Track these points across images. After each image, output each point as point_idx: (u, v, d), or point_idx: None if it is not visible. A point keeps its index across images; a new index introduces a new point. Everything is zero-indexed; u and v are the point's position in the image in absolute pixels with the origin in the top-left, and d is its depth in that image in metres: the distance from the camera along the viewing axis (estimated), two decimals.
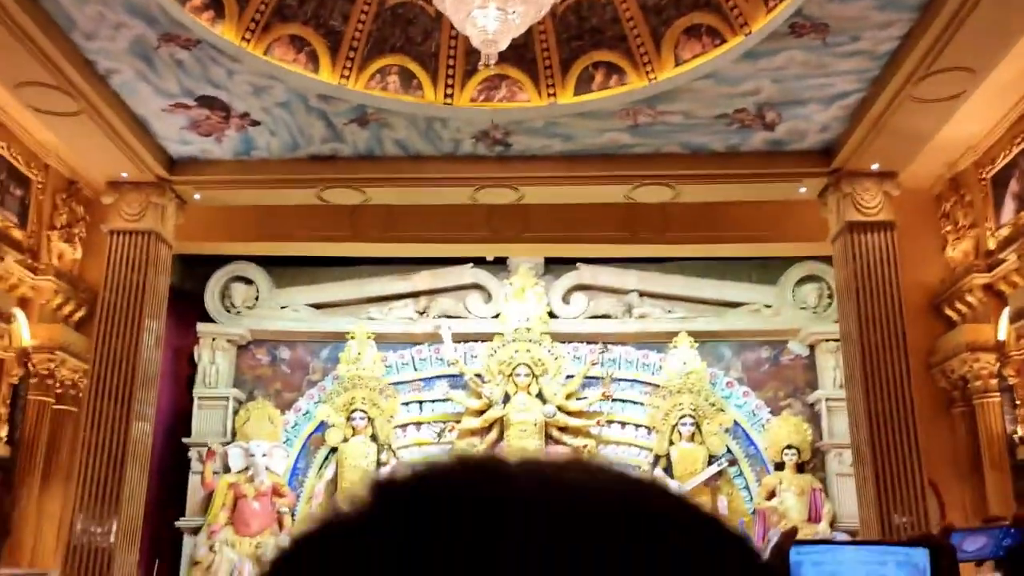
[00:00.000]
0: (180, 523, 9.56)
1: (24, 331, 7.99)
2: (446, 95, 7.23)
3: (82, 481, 7.54)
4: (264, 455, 9.68)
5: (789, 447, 10.02)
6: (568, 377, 10.25)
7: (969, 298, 8.57)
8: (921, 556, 0.89)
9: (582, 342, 10.48)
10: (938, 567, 0.87)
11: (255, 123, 7.41)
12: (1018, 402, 8.27)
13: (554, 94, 7.27)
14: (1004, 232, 8.11)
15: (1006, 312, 8.00)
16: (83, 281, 8.73)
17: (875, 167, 8.03)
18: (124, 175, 7.80)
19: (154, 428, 8.29)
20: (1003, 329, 8.25)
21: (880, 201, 8.12)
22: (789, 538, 0.94)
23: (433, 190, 8.20)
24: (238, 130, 7.47)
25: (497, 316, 10.49)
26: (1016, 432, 8.21)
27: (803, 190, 8.41)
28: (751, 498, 10.12)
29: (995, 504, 8.04)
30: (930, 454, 7.95)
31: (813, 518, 9.93)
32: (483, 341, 10.37)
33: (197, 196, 8.21)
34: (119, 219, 8.01)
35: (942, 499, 8.58)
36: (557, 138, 7.78)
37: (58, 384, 8.44)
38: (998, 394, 8.32)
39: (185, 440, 9.83)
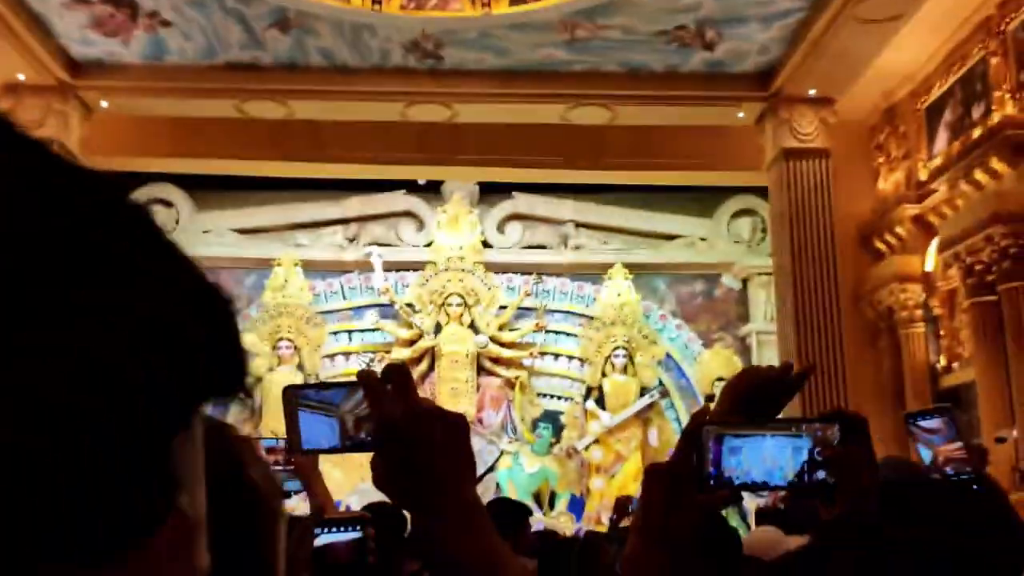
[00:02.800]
0: None
1: None
2: (374, 0, 6.82)
3: None
4: None
5: (720, 379, 10.08)
6: (501, 308, 10.09)
7: (899, 229, 8.63)
8: (828, 431, 0.85)
9: (516, 273, 10.31)
10: (846, 440, 0.85)
11: (165, 23, 6.89)
12: (942, 332, 8.41)
13: (488, 3, 6.93)
14: (936, 162, 8.14)
15: (934, 243, 8.07)
16: None
17: (813, 92, 7.94)
18: (21, 77, 7.21)
19: None
20: (930, 260, 8.33)
21: (816, 128, 8.06)
22: (700, 416, 0.86)
23: (361, 104, 7.81)
24: (147, 31, 6.94)
25: (430, 245, 10.23)
26: (939, 362, 8.36)
27: (741, 115, 8.30)
28: (681, 429, 10.19)
29: None
30: (856, 384, 8.05)
31: None
32: (415, 270, 10.12)
33: (104, 104, 7.65)
34: None
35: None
36: (491, 51, 7.45)
37: None
38: (923, 325, 8.45)
39: None
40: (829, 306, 7.88)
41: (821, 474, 0.84)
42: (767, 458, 0.84)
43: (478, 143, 8.73)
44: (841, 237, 8.32)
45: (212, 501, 0.35)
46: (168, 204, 10.01)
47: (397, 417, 0.74)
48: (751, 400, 1.10)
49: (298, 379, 9.63)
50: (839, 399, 7.72)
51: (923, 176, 8.39)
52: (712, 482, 0.82)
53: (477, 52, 7.46)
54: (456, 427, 0.76)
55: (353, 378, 0.79)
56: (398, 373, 0.77)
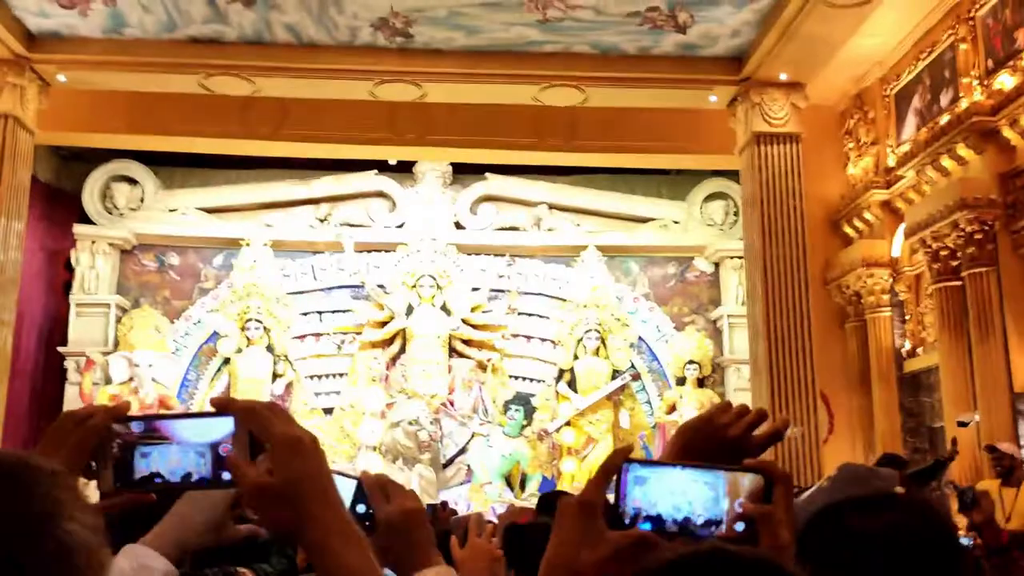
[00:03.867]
0: None
1: None
2: None
3: None
4: (150, 365, 9.21)
5: (691, 362, 10.15)
6: (474, 290, 10.06)
7: (867, 215, 8.68)
8: (750, 481, 0.80)
9: (489, 254, 10.27)
10: (771, 495, 0.83)
11: None
12: (907, 316, 8.49)
13: None
14: (904, 148, 8.17)
15: (901, 228, 8.12)
16: None
17: (784, 77, 7.93)
18: None
19: (22, 335, 7.69)
20: (897, 245, 8.39)
21: (787, 112, 8.05)
22: (620, 455, 0.83)
23: (329, 82, 7.69)
24: (105, 3, 6.77)
25: (402, 226, 10.16)
26: (904, 346, 8.44)
27: (714, 99, 8.27)
28: (652, 412, 10.25)
29: (880, 416, 8.31)
30: (822, 367, 8.11)
31: None
32: (387, 251, 10.05)
33: (62, 78, 7.47)
34: None
35: (831, 411, 8.85)
36: (462, 31, 7.36)
37: None
38: (889, 309, 8.52)
39: (61, 349, 9.24)
40: (798, 289, 7.91)
41: (741, 526, 0.80)
42: (676, 491, 0.79)
43: (449, 123, 8.64)
44: (810, 221, 8.35)
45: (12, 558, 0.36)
46: (132, 181, 9.84)
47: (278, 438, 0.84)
48: (704, 453, 0.91)
49: (267, 360, 9.57)
50: (807, 380, 7.78)
51: (891, 162, 8.42)
52: (627, 520, 0.78)
53: (447, 31, 7.36)
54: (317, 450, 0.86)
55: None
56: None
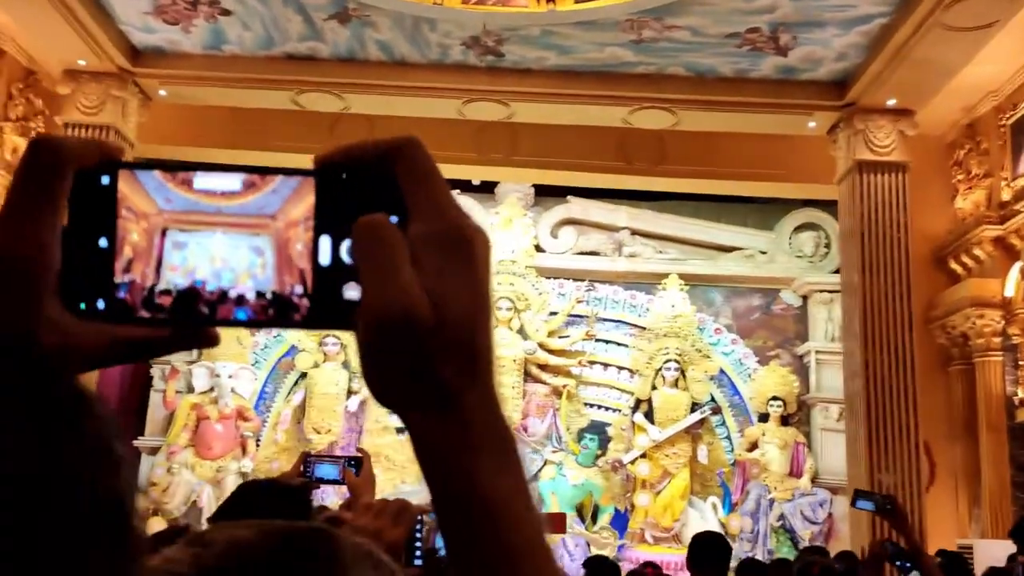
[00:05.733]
0: (138, 442, 9.18)
1: None
2: None
3: None
4: (230, 376, 9.28)
5: (775, 399, 9.72)
6: (551, 314, 9.84)
7: (977, 251, 8.16)
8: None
9: (568, 279, 10.05)
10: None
11: (226, 12, 6.79)
12: (1021, 362, 7.91)
13: (553, 0, 6.69)
14: (1021, 183, 7.67)
15: (1017, 267, 7.61)
16: None
17: (891, 103, 7.53)
18: (82, 63, 7.19)
19: None
20: (1011, 285, 7.85)
21: (894, 140, 7.64)
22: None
23: (418, 100, 7.63)
24: (207, 20, 6.86)
25: None
26: (1016, 394, 7.86)
27: (813, 125, 7.91)
28: (732, 448, 9.84)
29: (988, 467, 7.75)
30: (923, 412, 7.62)
31: (794, 472, 9.67)
32: None
33: (163, 92, 7.62)
34: (76, 112, 7.44)
35: (933, 460, 8.29)
36: (553, 50, 7.21)
37: None
38: (1000, 353, 7.97)
39: None
40: (901, 327, 7.45)
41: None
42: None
43: (535, 144, 8.49)
44: (913, 256, 7.89)
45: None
46: None
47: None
48: None
49: (343, 376, 9.53)
50: (910, 424, 7.30)
51: (1006, 196, 7.91)
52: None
53: (539, 50, 7.22)
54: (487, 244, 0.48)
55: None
56: None
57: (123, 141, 7.60)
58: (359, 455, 2.05)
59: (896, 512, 3.48)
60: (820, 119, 7.86)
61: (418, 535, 2.07)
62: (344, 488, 2.06)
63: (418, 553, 2.07)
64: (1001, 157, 8.06)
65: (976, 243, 8.11)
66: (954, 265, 8.49)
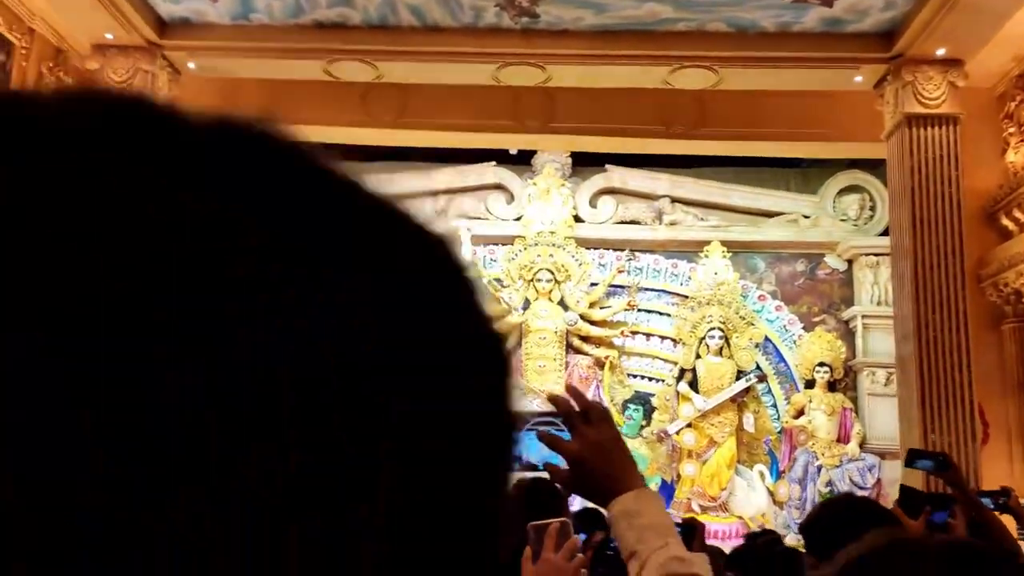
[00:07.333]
0: None
1: None
2: None
3: None
4: None
5: (821, 364, 9.55)
6: (592, 285, 9.73)
7: None
8: None
9: (608, 248, 9.92)
10: None
11: None
12: None
13: None
14: None
15: None
16: None
17: (941, 53, 7.26)
18: (109, 36, 7.17)
19: None
20: None
21: (944, 92, 7.37)
22: None
23: (452, 66, 7.51)
24: None
25: (519, 218, 9.92)
26: None
27: (859, 79, 7.66)
28: (779, 416, 9.69)
29: None
30: (979, 370, 7.41)
31: (842, 438, 9.51)
32: (503, 244, 9.83)
33: (191, 65, 7.56)
34: (105, 87, 7.42)
35: (986, 420, 8.07)
36: (590, 9, 7.04)
37: None
38: None
39: None
40: (953, 286, 7.22)
41: None
42: None
43: (572, 110, 8.34)
44: (964, 213, 7.64)
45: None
46: None
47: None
48: None
49: None
50: (963, 384, 7.09)
51: None
52: None
53: (575, 9, 7.06)
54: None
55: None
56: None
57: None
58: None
59: (953, 467, 3.40)
60: (867, 72, 7.61)
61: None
62: None
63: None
64: None
65: None
66: (1005, 221, 8.21)
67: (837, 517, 2.23)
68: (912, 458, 3.61)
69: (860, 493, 9.16)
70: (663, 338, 9.85)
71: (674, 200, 10.04)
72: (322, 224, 0.26)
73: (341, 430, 0.22)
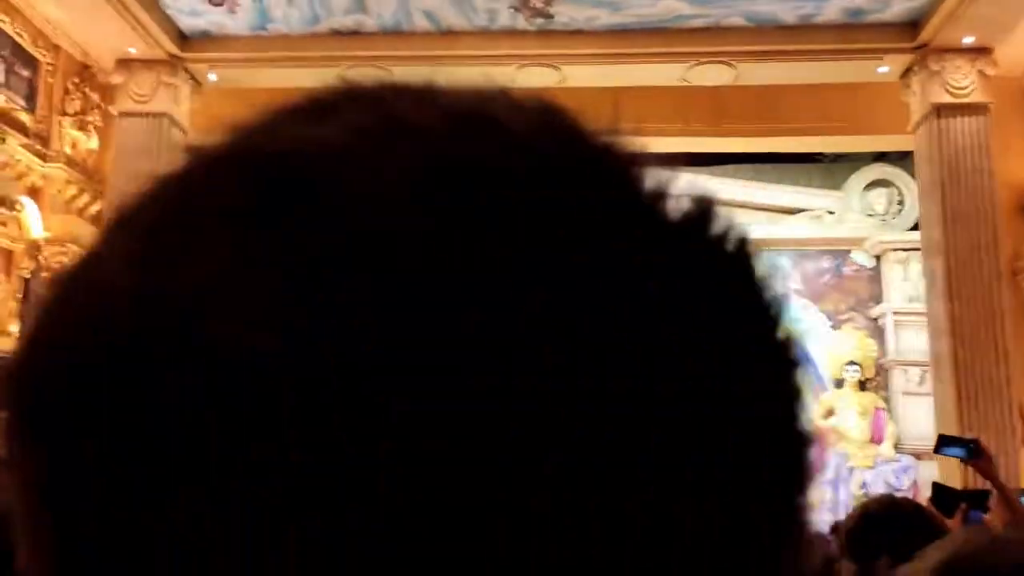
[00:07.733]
0: None
1: (35, 222, 7.56)
2: None
3: None
4: None
5: (851, 363, 9.38)
6: None
7: None
8: None
9: None
10: None
11: None
12: None
13: None
14: None
15: None
16: (99, 172, 8.27)
17: (968, 41, 7.07)
18: (132, 51, 7.20)
19: None
20: None
21: (972, 81, 7.18)
22: None
23: (467, 70, 7.43)
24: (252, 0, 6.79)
25: None
26: None
27: (884, 70, 7.49)
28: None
29: None
30: (1018, 364, 7.19)
31: (875, 439, 9.32)
32: None
33: (212, 76, 7.58)
34: (129, 101, 7.47)
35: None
36: (605, 7, 6.95)
37: None
38: None
39: None
40: (988, 281, 7.01)
41: None
42: None
43: (589, 110, 8.19)
44: (997, 204, 7.43)
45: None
46: None
47: None
48: None
49: None
50: (1001, 381, 6.89)
51: None
52: None
53: (590, 8, 6.97)
54: None
55: None
56: None
57: (176, 128, 7.60)
58: None
59: (985, 455, 3.25)
60: (892, 63, 7.44)
61: None
62: None
63: None
64: None
65: None
66: None
67: (880, 521, 2.12)
68: (941, 444, 3.46)
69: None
70: None
71: None
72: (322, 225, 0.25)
73: (341, 430, 0.22)
